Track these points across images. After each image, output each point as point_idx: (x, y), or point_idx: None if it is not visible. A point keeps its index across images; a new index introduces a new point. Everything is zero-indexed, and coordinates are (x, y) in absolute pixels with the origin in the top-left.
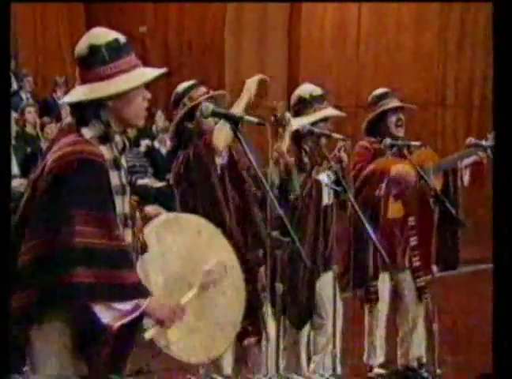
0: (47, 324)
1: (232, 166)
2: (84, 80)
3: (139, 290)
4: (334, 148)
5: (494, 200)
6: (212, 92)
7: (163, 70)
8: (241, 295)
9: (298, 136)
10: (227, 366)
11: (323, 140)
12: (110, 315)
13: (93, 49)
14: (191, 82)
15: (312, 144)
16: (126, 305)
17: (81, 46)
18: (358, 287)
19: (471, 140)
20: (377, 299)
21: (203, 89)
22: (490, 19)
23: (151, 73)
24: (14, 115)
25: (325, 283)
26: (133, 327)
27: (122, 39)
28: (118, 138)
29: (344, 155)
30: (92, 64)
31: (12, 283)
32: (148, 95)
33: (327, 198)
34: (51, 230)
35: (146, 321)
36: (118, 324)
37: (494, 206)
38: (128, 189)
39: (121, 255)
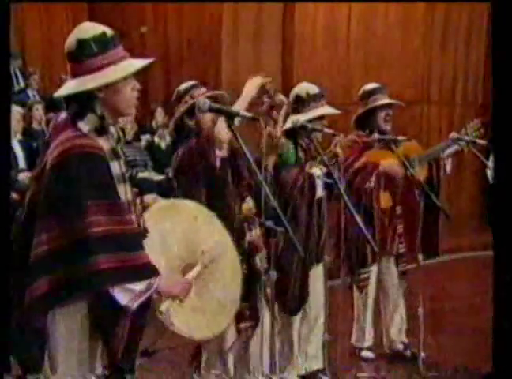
0: (66, 309)
1: (232, 160)
2: (75, 74)
3: (150, 270)
4: (330, 144)
5: (494, 195)
6: (211, 92)
7: (149, 60)
8: (238, 274)
9: (293, 132)
10: (231, 339)
11: (318, 136)
12: (127, 296)
13: (81, 43)
14: (193, 82)
15: (307, 139)
16: (140, 285)
17: (70, 41)
18: (349, 275)
19: (454, 134)
20: (366, 286)
21: (204, 89)
22: (472, 20)
23: (138, 63)
24: (21, 111)
25: (317, 276)
26: (146, 306)
27: (109, 32)
28: (112, 129)
29: (339, 151)
30: (81, 57)
31: (22, 276)
32: (138, 85)
33: (321, 191)
34: (67, 222)
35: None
36: (135, 304)
37: (494, 200)
38: (127, 176)
39: (133, 238)
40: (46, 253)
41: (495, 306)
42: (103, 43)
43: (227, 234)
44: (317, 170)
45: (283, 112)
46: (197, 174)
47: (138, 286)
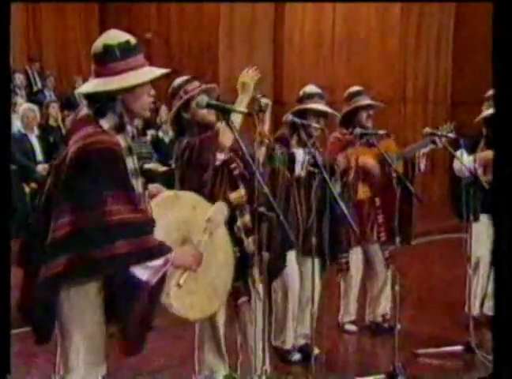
0: (77, 287)
1: (229, 162)
2: (98, 75)
3: (164, 248)
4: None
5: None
6: (204, 86)
7: (167, 70)
8: (230, 259)
9: (294, 128)
10: (221, 322)
11: (313, 132)
12: (147, 273)
13: (107, 47)
14: (186, 77)
15: (306, 135)
16: (159, 261)
17: (97, 45)
18: (331, 260)
19: (427, 129)
20: (347, 268)
21: (196, 83)
22: (440, 28)
23: (156, 71)
24: (36, 109)
25: (308, 261)
26: (162, 281)
27: (132, 40)
28: (129, 128)
29: (341, 159)
30: (106, 60)
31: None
32: (153, 92)
33: (299, 169)
34: (87, 209)
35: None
36: (156, 278)
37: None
38: (139, 171)
39: (146, 223)
40: (65, 236)
41: (495, 297)
42: (126, 49)
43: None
44: (300, 151)
45: (268, 114)
46: (198, 168)
47: (157, 262)
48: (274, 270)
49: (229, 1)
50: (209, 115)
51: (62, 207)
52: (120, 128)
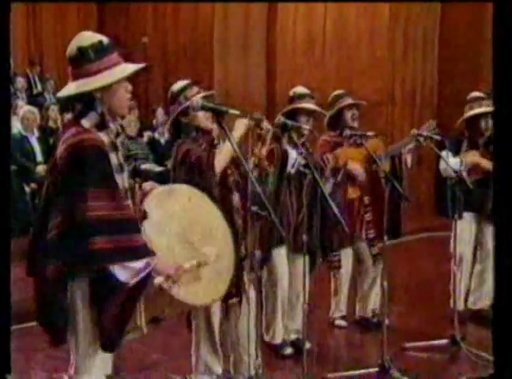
0: (78, 282)
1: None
2: (75, 77)
3: (147, 250)
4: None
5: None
6: (203, 92)
7: (141, 66)
8: (230, 245)
9: (286, 128)
10: (216, 320)
11: (304, 132)
12: (126, 273)
13: (81, 50)
14: (185, 82)
15: (298, 135)
16: (139, 264)
17: (72, 48)
18: (323, 257)
19: (414, 131)
20: (339, 266)
21: (196, 89)
22: (426, 33)
23: (130, 68)
24: (36, 111)
25: (297, 257)
26: (143, 284)
27: (105, 40)
28: (112, 125)
29: (329, 156)
30: (81, 63)
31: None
32: (130, 87)
33: (290, 166)
34: (70, 207)
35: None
36: (133, 281)
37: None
38: (125, 167)
39: (130, 222)
40: (58, 235)
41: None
42: (99, 50)
43: (217, 209)
44: (293, 151)
45: (269, 136)
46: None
47: (137, 264)
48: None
49: (224, 1)
50: (207, 121)
51: (55, 208)
52: (102, 125)
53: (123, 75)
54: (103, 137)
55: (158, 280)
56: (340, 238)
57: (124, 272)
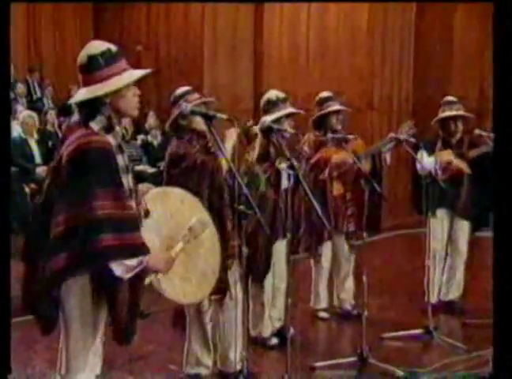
0: (75, 279)
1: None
2: (86, 84)
3: (144, 249)
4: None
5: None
6: (203, 98)
7: (147, 71)
8: (216, 247)
9: (266, 132)
10: (207, 315)
11: (286, 135)
12: (121, 269)
13: (91, 58)
14: (187, 88)
15: (277, 137)
16: (132, 262)
17: (82, 56)
18: (308, 250)
19: (392, 134)
20: (321, 259)
21: (196, 95)
22: (402, 43)
23: (137, 73)
24: (35, 116)
25: (280, 250)
26: (141, 277)
27: (113, 48)
28: (117, 128)
29: (306, 148)
30: (91, 70)
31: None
32: (138, 91)
33: (286, 183)
34: (79, 205)
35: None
36: (127, 276)
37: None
38: (130, 168)
39: (132, 221)
40: (62, 233)
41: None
42: (108, 57)
43: (207, 214)
44: (283, 166)
45: (258, 141)
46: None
47: (131, 262)
48: (259, 273)
49: (214, 1)
50: (202, 125)
51: (59, 205)
52: (109, 128)
53: (131, 80)
54: (111, 140)
55: (148, 279)
56: (322, 234)
57: (118, 268)
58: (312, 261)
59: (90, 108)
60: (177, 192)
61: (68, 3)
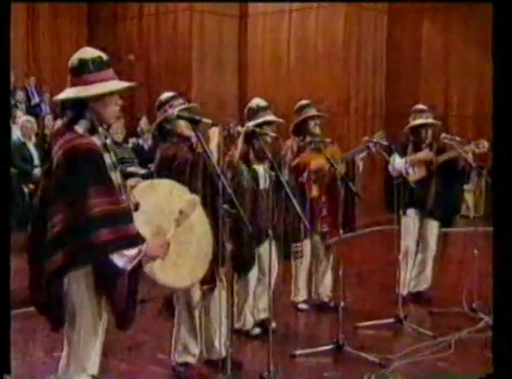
0: (75, 273)
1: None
2: (73, 84)
3: (139, 238)
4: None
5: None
6: (187, 104)
7: (131, 84)
8: (207, 232)
9: (248, 137)
10: (196, 304)
11: (268, 139)
12: (123, 260)
13: (82, 61)
14: (172, 93)
15: (258, 142)
16: (132, 252)
17: (74, 59)
18: (286, 247)
19: (365, 138)
20: (301, 256)
21: (181, 100)
22: (375, 53)
23: (122, 84)
24: (33, 120)
25: (265, 247)
26: (138, 266)
27: (104, 56)
28: (101, 130)
29: (289, 155)
30: (80, 72)
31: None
32: (120, 102)
33: (263, 183)
34: (75, 205)
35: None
36: (130, 266)
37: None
38: (117, 165)
39: (126, 214)
40: (60, 232)
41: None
42: (98, 63)
43: (196, 196)
44: (260, 168)
45: (241, 139)
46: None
47: (131, 252)
48: (243, 266)
49: (202, 1)
50: (187, 129)
51: (55, 206)
52: (93, 130)
53: (117, 88)
54: (96, 140)
55: (147, 269)
56: (304, 231)
57: (121, 259)
58: (292, 258)
59: (74, 112)
60: (165, 183)
61: (64, 16)
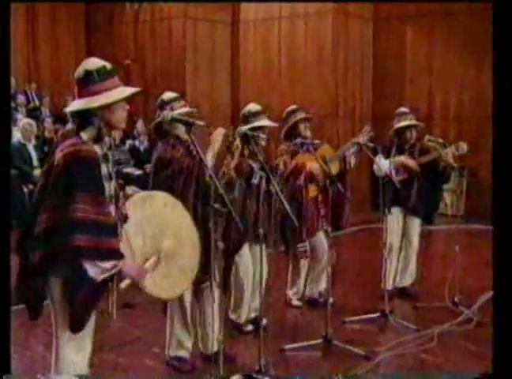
0: (53, 278)
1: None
2: (81, 96)
3: (118, 254)
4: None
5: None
6: (188, 108)
7: (137, 89)
8: (196, 249)
9: (245, 140)
10: (188, 301)
11: (262, 143)
12: (95, 271)
13: (87, 72)
14: (175, 94)
15: (255, 145)
16: (107, 264)
17: (79, 71)
18: (287, 248)
19: (353, 139)
20: (307, 256)
21: (182, 102)
22: (364, 57)
23: (128, 91)
24: (33, 123)
25: (258, 249)
26: (108, 281)
27: (108, 66)
28: (106, 139)
29: (281, 165)
30: (87, 83)
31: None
32: (127, 107)
33: (256, 179)
34: (59, 206)
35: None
36: (101, 277)
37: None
38: (114, 176)
39: (109, 226)
40: (42, 231)
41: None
42: (103, 73)
43: (188, 217)
44: (256, 165)
45: (237, 153)
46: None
47: (106, 264)
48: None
49: (193, 1)
50: (183, 132)
51: (44, 206)
52: (98, 139)
53: (123, 96)
54: (98, 149)
55: (124, 284)
56: (301, 233)
57: (93, 269)
58: (291, 257)
59: (82, 119)
60: (160, 195)
61: (62, 23)
